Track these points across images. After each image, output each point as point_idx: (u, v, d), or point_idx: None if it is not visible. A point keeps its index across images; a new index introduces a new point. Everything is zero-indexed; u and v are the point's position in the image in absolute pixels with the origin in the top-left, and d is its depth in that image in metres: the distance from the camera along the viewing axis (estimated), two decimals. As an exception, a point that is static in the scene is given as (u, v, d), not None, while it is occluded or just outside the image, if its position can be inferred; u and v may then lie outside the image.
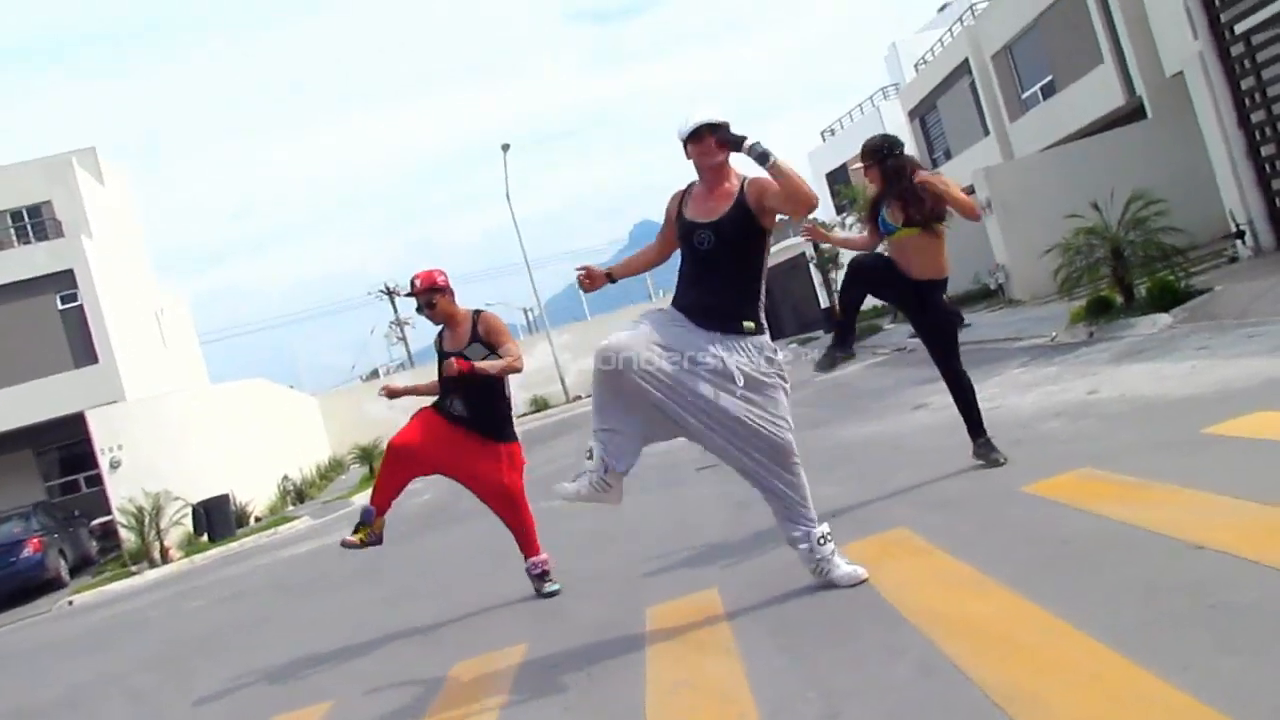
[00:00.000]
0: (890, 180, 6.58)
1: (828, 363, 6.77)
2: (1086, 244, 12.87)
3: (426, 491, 16.33)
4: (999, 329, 16.09)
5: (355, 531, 6.52)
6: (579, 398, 38.63)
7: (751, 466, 4.74)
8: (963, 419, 6.70)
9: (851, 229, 25.05)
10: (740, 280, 4.77)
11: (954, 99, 30.64)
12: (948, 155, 32.02)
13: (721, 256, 4.75)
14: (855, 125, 42.90)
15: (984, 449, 6.55)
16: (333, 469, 32.58)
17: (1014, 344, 14.04)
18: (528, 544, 6.63)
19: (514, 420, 6.74)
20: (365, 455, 26.19)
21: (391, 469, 6.43)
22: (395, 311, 62.91)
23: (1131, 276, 12.60)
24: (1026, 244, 19.18)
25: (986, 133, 28.62)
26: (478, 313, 6.67)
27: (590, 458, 4.70)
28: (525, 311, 62.81)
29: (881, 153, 6.62)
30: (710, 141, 4.75)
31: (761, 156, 4.55)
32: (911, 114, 34.01)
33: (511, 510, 6.61)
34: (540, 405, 39.28)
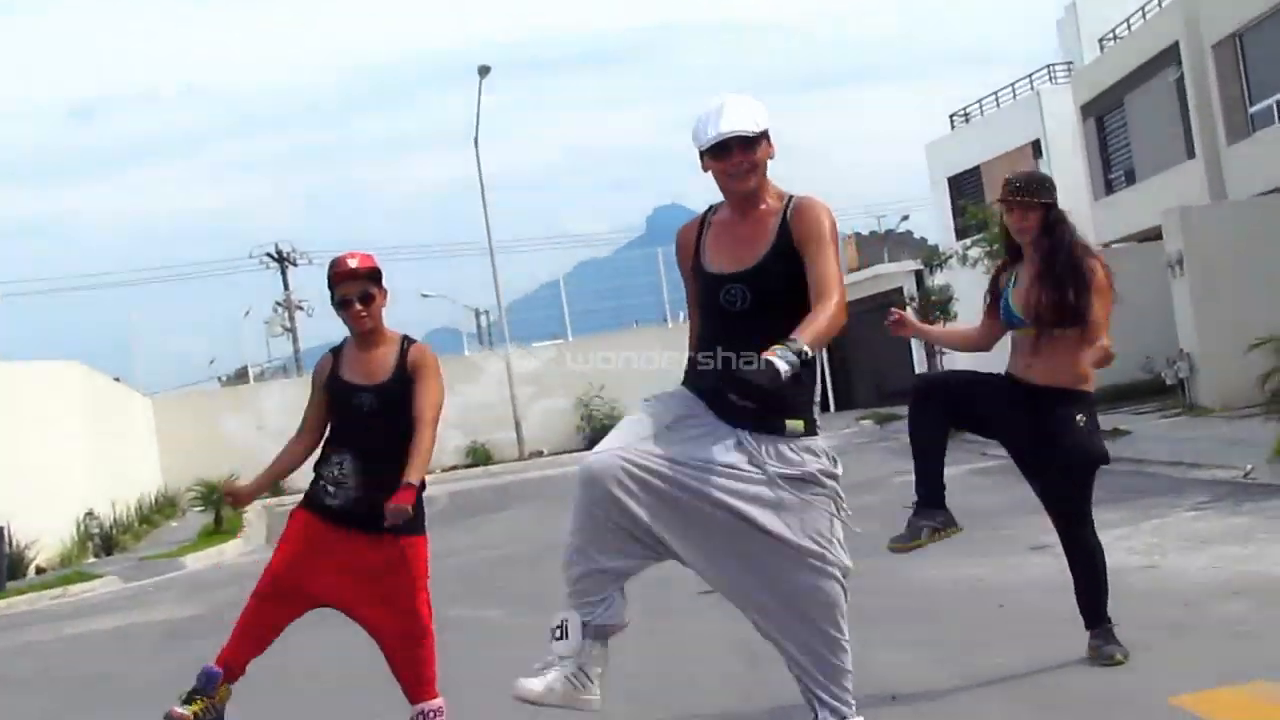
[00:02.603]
0: (1049, 243, 6.56)
1: (910, 536, 6.46)
2: (1315, 343, 12.97)
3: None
4: (1170, 447, 16.15)
5: (187, 701, 6.32)
6: (539, 453, 38.52)
7: (775, 612, 4.81)
8: (1078, 599, 6.69)
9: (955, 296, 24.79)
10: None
11: (1150, 99, 30.83)
12: (1129, 178, 32.21)
13: (762, 319, 4.76)
14: (1001, 114, 43.08)
15: (1100, 640, 6.55)
16: (161, 508, 32.39)
17: (1189, 473, 14.11)
18: (419, 686, 6.55)
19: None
20: (210, 496, 25.89)
21: (260, 610, 6.39)
22: (286, 288, 62.27)
23: (1374, 401, 12.69)
24: (1228, 327, 19.23)
25: (1191, 155, 28.77)
26: (409, 340, 6.56)
27: (561, 636, 4.75)
28: (478, 315, 62.53)
29: (1045, 190, 6.62)
30: (739, 158, 4.83)
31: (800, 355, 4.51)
32: (1085, 110, 34.21)
33: (407, 642, 6.50)
34: (481, 459, 38.76)
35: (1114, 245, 31.62)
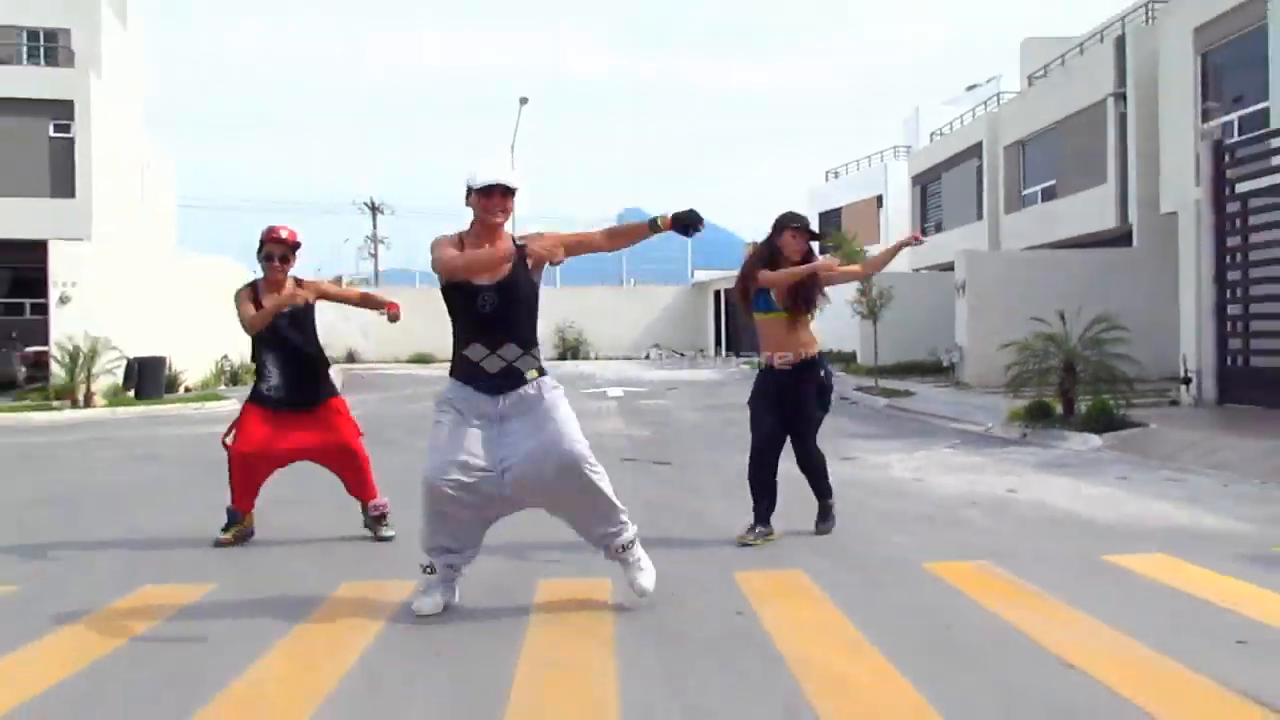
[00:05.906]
0: (805, 262, 6.46)
1: (750, 539, 6.33)
2: (1043, 349, 13.02)
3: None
4: (940, 406, 16.25)
5: (226, 529, 6.49)
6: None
7: (560, 492, 4.82)
8: (814, 489, 6.72)
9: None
10: (524, 334, 4.83)
11: (958, 176, 30.85)
12: (938, 227, 32.26)
13: (507, 316, 4.76)
14: (860, 175, 43.11)
15: (824, 515, 6.66)
16: (272, 362, 32.31)
17: (950, 424, 14.20)
18: (363, 488, 6.64)
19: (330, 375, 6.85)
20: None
21: (242, 474, 6.48)
22: (375, 227, 62.49)
23: (1076, 392, 12.77)
24: (988, 333, 19.34)
25: (980, 217, 28.83)
26: (299, 280, 6.71)
27: (431, 571, 4.90)
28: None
29: (809, 228, 6.54)
30: (499, 201, 4.74)
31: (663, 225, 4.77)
32: (915, 179, 34.22)
33: (350, 464, 6.64)
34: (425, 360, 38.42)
35: (923, 270, 31.70)
